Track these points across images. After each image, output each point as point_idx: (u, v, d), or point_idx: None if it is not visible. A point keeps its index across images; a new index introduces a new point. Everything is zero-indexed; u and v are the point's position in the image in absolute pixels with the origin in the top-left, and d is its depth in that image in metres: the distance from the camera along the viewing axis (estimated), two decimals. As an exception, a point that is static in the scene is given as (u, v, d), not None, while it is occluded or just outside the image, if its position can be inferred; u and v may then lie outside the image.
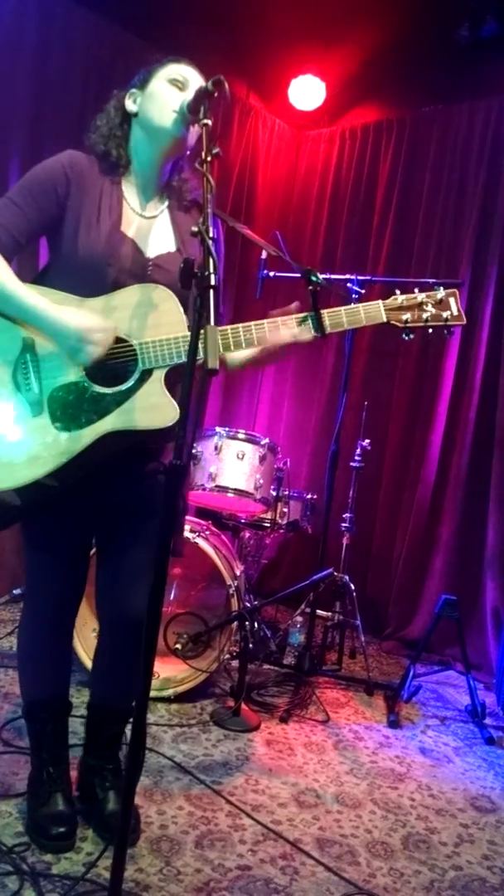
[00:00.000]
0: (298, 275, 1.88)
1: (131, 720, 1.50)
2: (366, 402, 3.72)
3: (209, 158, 1.54)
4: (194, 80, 1.77)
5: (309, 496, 3.58)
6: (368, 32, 4.18)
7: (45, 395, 1.68)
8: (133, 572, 1.86)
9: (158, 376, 1.67)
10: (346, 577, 3.53)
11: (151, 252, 1.80)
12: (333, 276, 3.32)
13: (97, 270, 1.70)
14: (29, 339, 1.69)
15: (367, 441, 3.61)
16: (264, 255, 3.13)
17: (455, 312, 1.73)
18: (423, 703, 3.24)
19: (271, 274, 3.23)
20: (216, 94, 1.60)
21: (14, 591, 3.28)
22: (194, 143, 1.77)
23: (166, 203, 1.88)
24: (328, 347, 4.48)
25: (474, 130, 4.01)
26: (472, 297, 3.90)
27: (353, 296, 3.19)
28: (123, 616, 1.87)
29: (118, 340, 1.68)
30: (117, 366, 1.68)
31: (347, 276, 3.27)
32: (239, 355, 1.92)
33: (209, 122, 1.59)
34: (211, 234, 1.45)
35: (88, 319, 1.64)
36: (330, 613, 3.57)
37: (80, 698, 2.58)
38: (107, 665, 1.99)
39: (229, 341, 1.71)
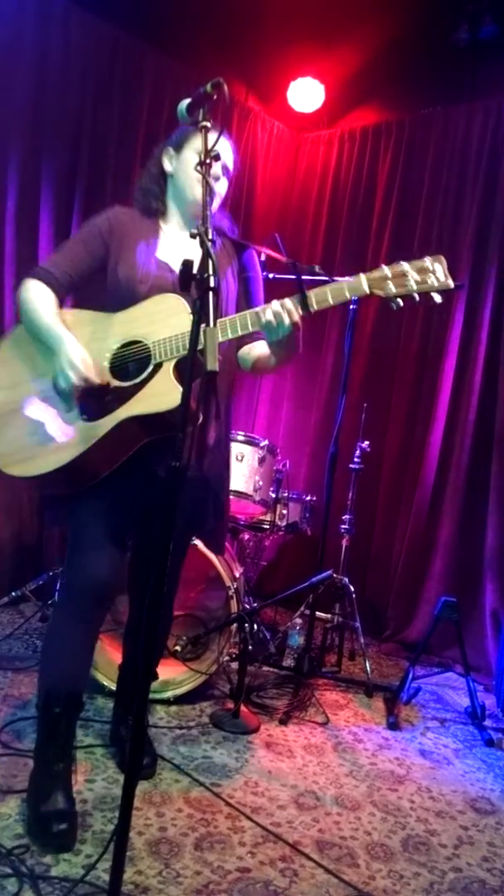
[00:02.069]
0: (295, 276, 1.92)
1: (131, 720, 1.52)
2: (365, 404, 3.72)
3: (208, 161, 1.56)
4: (225, 151, 2.02)
5: (308, 498, 3.58)
6: (367, 35, 4.18)
7: (76, 394, 1.91)
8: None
9: (167, 367, 1.86)
10: (346, 579, 3.52)
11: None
12: (332, 278, 3.32)
13: (131, 289, 1.97)
14: None
15: (367, 443, 3.61)
16: (263, 257, 3.13)
17: (441, 278, 1.69)
18: (422, 705, 3.24)
19: (270, 276, 3.23)
20: (215, 97, 1.63)
21: (13, 593, 3.27)
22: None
23: None
24: (327, 348, 4.49)
25: (473, 132, 4.01)
26: (471, 298, 3.91)
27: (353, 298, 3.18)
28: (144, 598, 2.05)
29: (136, 343, 1.90)
30: (136, 363, 1.91)
31: (346, 279, 3.26)
32: (248, 353, 2.09)
33: (208, 124, 1.62)
34: (210, 237, 1.47)
35: (76, 357, 1.86)
36: (329, 615, 3.57)
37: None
38: (135, 634, 2.33)
39: (227, 328, 1.82)
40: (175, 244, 2.06)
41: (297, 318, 1.77)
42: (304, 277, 1.90)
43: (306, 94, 4.55)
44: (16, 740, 2.30)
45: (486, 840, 2.22)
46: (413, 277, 1.70)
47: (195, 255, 1.95)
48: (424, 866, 2.03)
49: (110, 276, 2.02)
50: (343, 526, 3.61)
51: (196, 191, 1.95)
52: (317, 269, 1.95)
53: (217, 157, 1.63)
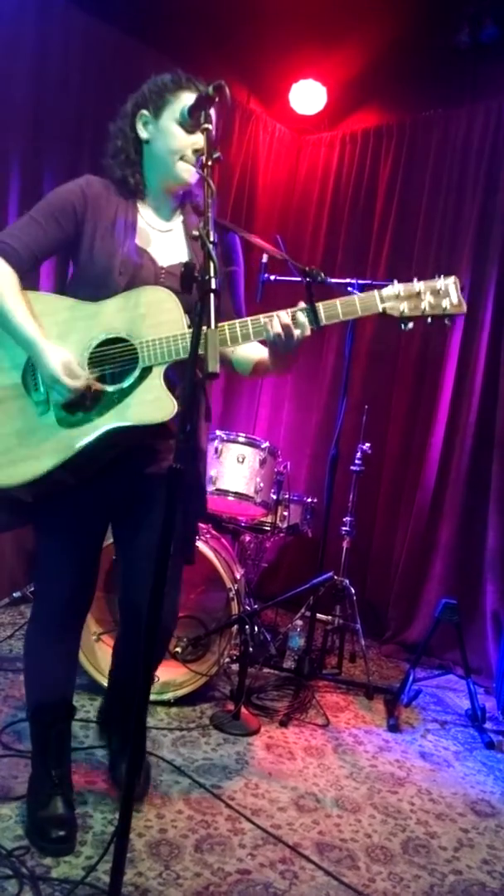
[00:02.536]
0: (299, 278, 1.88)
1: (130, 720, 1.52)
2: (366, 406, 3.72)
3: (210, 163, 1.56)
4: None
5: (309, 500, 3.58)
6: (369, 37, 4.19)
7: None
8: (145, 571, 1.86)
9: (158, 373, 1.71)
10: (346, 581, 3.52)
11: (164, 261, 1.87)
12: (334, 280, 3.32)
13: (110, 279, 1.77)
14: None
15: (367, 444, 3.61)
16: (265, 258, 3.13)
17: (455, 301, 1.67)
18: (422, 707, 3.24)
19: (272, 277, 3.23)
20: (217, 99, 1.62)
21: (14, 594, 3.27)
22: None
23: (181, 218, 1.97)
24: (328, 350, 4.49)
25: (473, 134, 4.01)
26: (472, 299, 3.90)
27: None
28: (138, 614, 1.94)
29: (120, 341, 1.73)
30: (120, 365, 1.73)
31: (348, 280, 3.27)
32: (247, 357, 1.95)
33: (210, 126, 1.61)
34: (212, 239, 1.46)
35: (62, 363, 1.68)
36: (330, 617, 3.56)
37: (79, 701, 2.58)
38: (125, 650, 2.15)
39: (226, 336, 1.72)
40: (153, 229, 1.90)
41: (308, 332, 1.70)
42: (306, 278, 1.87)
43: (308, 97, 4.55)
44: (17, 741, 2.30)
45: (486, 843, 2.22)
46: (427, 299, 1.67)
47: (173, 242, 1.92)
48: (424, 869, 2.03)
49: (84, 258, 1.81)
50: (344, 528, 3.61)
51: (179, 169, 1.82)
52: (327, 279, 1.86)
53: (219, 160, 1.60)
